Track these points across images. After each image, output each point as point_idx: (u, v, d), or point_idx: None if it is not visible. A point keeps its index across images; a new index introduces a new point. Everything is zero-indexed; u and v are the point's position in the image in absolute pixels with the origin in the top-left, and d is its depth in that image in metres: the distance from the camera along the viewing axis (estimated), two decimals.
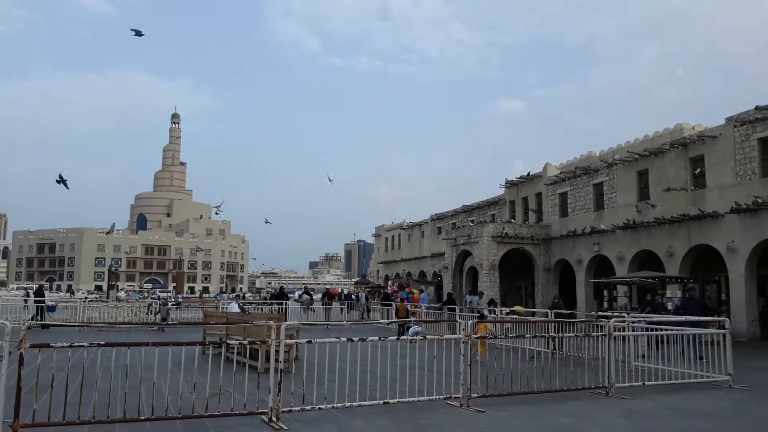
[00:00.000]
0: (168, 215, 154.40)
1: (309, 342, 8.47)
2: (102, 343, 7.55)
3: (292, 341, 8.92)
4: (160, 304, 27.99)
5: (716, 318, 12.75)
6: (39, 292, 26.87)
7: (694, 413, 8.69)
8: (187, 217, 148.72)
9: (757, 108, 22.06)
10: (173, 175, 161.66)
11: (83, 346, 7.30)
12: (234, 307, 20.23)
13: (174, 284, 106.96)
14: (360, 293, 37.16)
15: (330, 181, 68.25)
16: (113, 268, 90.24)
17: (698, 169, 25.01)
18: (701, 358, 12.58)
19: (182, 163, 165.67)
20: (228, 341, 9.36)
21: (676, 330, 12.14)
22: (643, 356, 12.26)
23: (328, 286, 56.07)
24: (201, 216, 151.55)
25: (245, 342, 9.57)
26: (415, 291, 36.90)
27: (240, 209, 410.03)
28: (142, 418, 7.09)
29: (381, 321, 16.06)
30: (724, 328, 11.46)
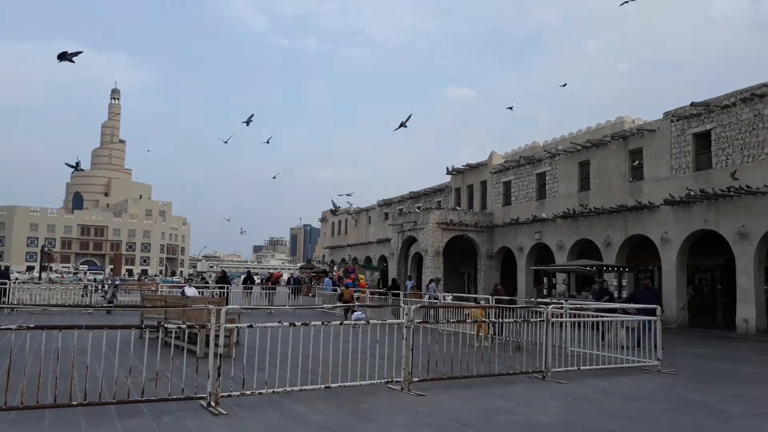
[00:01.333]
0: (106, 195, 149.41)
1: (250, 326, 8.36)
2: (32, 326, 7.23)
3: (233, 326, 8.78)
4: (109, 285, 27.66)
5: (647, 306, 13.27)
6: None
7: (624, 396, 9.04)
8: (126, 197, 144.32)
9: (692, 104, 22.96)
10: (112, 153, 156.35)
11: (11, 328, 6.98)
12: (191, 291, 19.69)
13: (111, 266, 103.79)
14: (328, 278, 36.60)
15: (274, 178, 67.32)
16: (46, 249, 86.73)
17: (637, 162, 25.90)
18: (639, 345, 13.28)
19: (122, 141, 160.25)
20: (166, 325, 9.14)
21: (615, 317, 12.58)
22: (623, 347, 12.95)
23: (272, 270, 55.59)
24: (140, 196, 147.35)
25: (183, 326, 9.35)
26: (361, 276, 37.01)
27: (181, 190, 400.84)
28: (74, 403, 6.85)
29: (324, 306, 16.00)
30: (654, 315, 11.96)
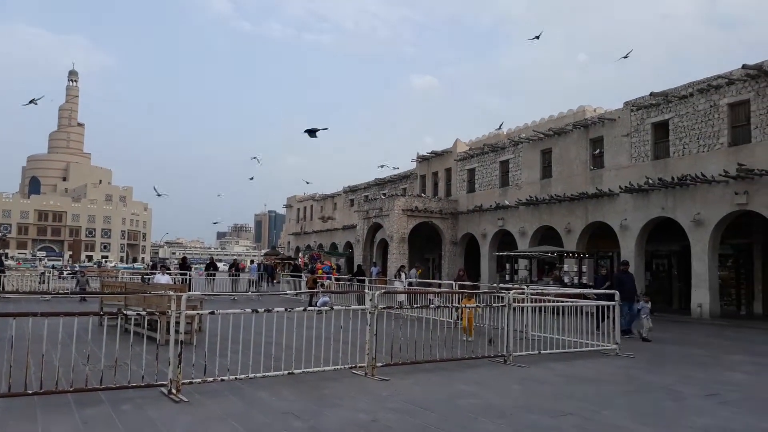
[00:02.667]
0: (64, 179, 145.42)
1: (212, 313, 8.27)
2: None
3: (194, 312, 8.68)
4: (78, 273, 27.40)
5: (606, 291, 13.58)
6: None
7: (582, 379, 9.26)
8: (85, 181, 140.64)
9: (651, 94, 23.43)
10: (70, 136, 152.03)
11: None
12: (164, 279, 19.22)
13: (70, 252, 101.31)
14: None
15: (258, 161, 66.11)
16: (1, 234, 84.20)
17: (597, 150, 26.36)
18: (625, 332, 13.78)
19: (80, 124, 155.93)
20: (126, 312, 8.97)
21: (575, 302, 12.83)
22: (643, 337, 13.69)
23: (236, 257, 55.08)
24: (100, 181, 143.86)
25: (143, 313, 9.20)
26: (334, 266, 37.03)
27: (144, 175, 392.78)
28: (30, 392, 6.69)
29: (288, 292, 15.93)
30: (613, 300, 12.24)
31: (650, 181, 22.87)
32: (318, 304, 16.04)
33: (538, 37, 29.33)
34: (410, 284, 21.70)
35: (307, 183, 61.43)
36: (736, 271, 24.46)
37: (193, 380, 7.48)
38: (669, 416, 6.99)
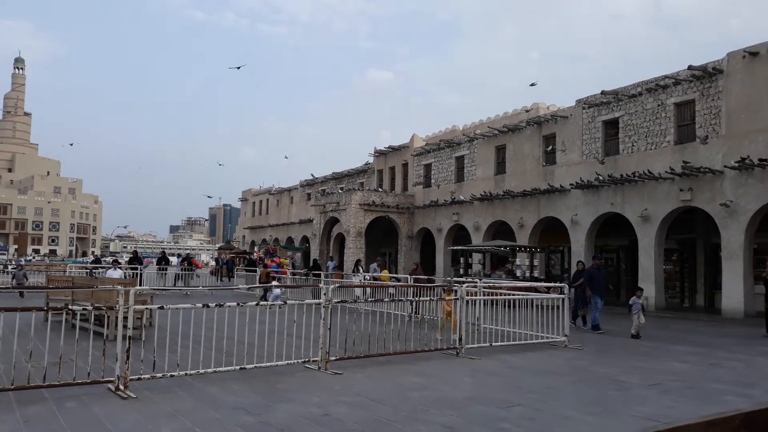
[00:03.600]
0: (9, 170, 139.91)
1: (161, 308, 8.12)
2: None
3: (142, 307, 8.50)
4: (16, 268, 26.25)
5: (556, 284, 13.89)
6: None
7: (531, 371, 9.47)
8: (32, 173, 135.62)
9: (602, 92, 24.01)
10: (16, 126, 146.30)
11: None
12: (116, 274, 18.69)
13: (16, 246, 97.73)
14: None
15: (286, 158, 65.66)
16: None
17: (550, 147, 26.88)
18: (598, 328, 14.19)
19: (26, 114, 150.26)
20: (72, 307, 8.73)
21: (526, 295, 13.09)
22: (632, 334, 13.75)
23: (189, 252, 53.98)
24: (48, 173, 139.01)
25: (90, 308, 8.96)
26: (284, 261, 36.71)
27: (94, 167, 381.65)
28: None
29: (240, 287, 15.76)
30: (563, 293, 12.54)
31: (600, 178, 23.46)
32: (270, 299, 15.91)
33: (534, 84, 33.36)
34: (374, 279, 21.73)
35: (286, 157, 60.25)
36: (681, 265, 25.35)
37: (142, 376, 7.34)
38: (613, 405, 7.21)
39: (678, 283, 25.25)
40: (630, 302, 14.51)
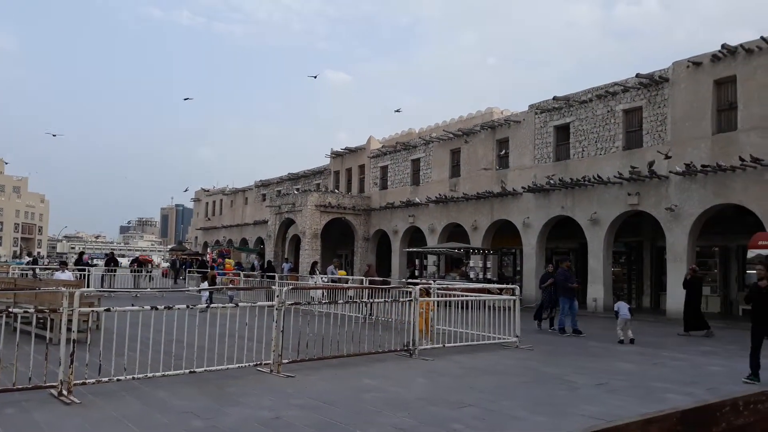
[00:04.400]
0: None
1: (107, 310, 7.90)
2: None
3: (88, 309, 8.24)
4: None
5: (509, 286, 14.12)
6: None
7: (483, 371, 9.59)
8: None
9: (554, 98, 24.54)
10: None
11: None
12: (64, 275, 17.92)
13: None
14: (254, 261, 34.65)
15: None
16: None
17: (503, 151, 27.31)
18: (578, 332, 14.22)
19: None
20: (14, 310, 8.40)
21: (479, 296, 13.25)
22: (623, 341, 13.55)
23: (139, 252, 52.61)
24: None
25: (32, 310, 8.65)
26: (229, 261, 36.22)
27: (40, 165, 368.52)
28: None
29: (190, 289, 15.47)
30: (515, 295, 12.76)
31: (551, 182, 23.97)
32: (203, 300, 15.66)
33: (399, 110, 35.80)
34: (333, 281, 21.63)
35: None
36: (628, 267, 26.11)
37: (87, 381, 7.12)
38: (562, 405, 7.37)
39: (625, 284, 26.00)
40: (615, 307, 14.25)
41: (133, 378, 7.47)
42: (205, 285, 17.04)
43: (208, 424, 6.06)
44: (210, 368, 8.20)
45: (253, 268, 34.14)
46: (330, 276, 22.57)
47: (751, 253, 16.09)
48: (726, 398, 3.14)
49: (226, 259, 35.09)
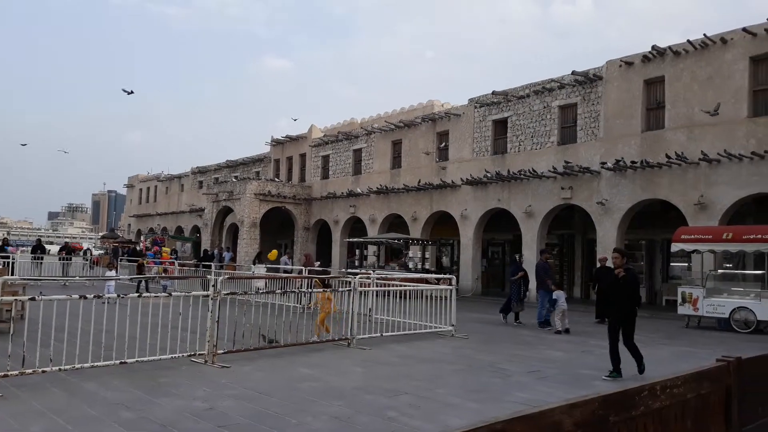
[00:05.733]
0: None
1: (32, 299, 7.58)
2: None
3: (11, 298, 7.87)
4: None
5: (445, 276, 14.35)
6: None
7: (420, 359, 9.75)
8: None
9: (493, 93, 25.01)
10: None
11: None
12: None
13: None
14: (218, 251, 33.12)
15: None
16: None
17: (443, 143, 27.65)
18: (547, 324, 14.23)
19: None
20: None
21: (417, 286, 13.42)
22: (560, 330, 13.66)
23: (68, 240, 50.27)
24: None
25: None
26: (165, 249, 35.28)
27: None
28: None
29: (120, 277, 15.02)
30: (452, 285, 12.99)
31: (489, 175, 24.45)
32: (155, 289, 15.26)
33: (131, 92, 33.54)
34: (286, 272, 21.32)
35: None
36: (560, 259, 26.97)
37: (9, 373, 6.81)
38: (495, 392, 7.58)
39: (558, 275, 26.83)
40: (554, 296, 14.29)
41: (60, 370, 7.21)
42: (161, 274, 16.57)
43: (139, 415, 5.92)
44: (142, 359, 8.00)
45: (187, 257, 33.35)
46: (283, 266, 22.26)
47: (675, 247, 16.91)
48: (644, 383, 3.32)
49: (163, 248, 34.11)
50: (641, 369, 8.79)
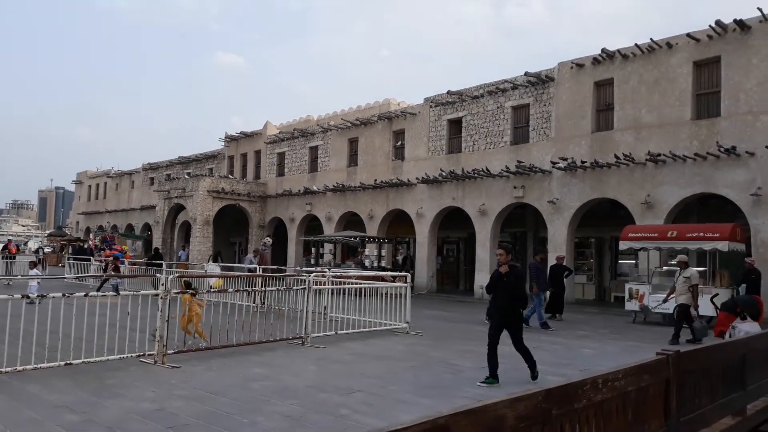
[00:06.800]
0: None
1: None
2: None
3: None
4: None
5: (401, 273, 14.43)
6: None
7: (374, 356, 9.78)
8: None
9: (448, 92, 25.24)
10: None
11: None
12: None
13: None
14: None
15: None
16: None
17: (399, 142, 27.77)
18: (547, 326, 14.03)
19: None
20: None
21: (372, 284, 13.45)
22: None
23: (11, 237, 48.46)
24: None
25: None
26: (126, 247, 34.41)
27: None
28: None
29: (67, 276, 14.59)
30: (407, 282, 13.06)
31: (444, 174, 24.69)
32: (111, 287, 14.89)
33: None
34: (251, 271, 20.95)
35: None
36: (513, 256, 27.36)
37: None
38: (447, 388, 7.67)
39: None
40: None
41: (1, 372, 6.96)
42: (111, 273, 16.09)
43: (84, 418, 5.77)
44: (88, 360, 7.79)
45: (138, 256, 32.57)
46: (248, 266, 21.90)
47: (623, 245, 17.43)
48: (587, 377, 3.42)
49: (124, 247, 33.28)
50: (534, 375, 8.24)
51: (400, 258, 27.68)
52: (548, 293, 16.40)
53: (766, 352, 5.92)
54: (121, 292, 9.23)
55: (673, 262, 14.71)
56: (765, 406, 5.79)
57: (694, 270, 13.56)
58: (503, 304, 8.26)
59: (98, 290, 16.19)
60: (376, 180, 27.71)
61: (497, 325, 8.27)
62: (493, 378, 7.96)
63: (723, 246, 15.09)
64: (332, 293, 13.04)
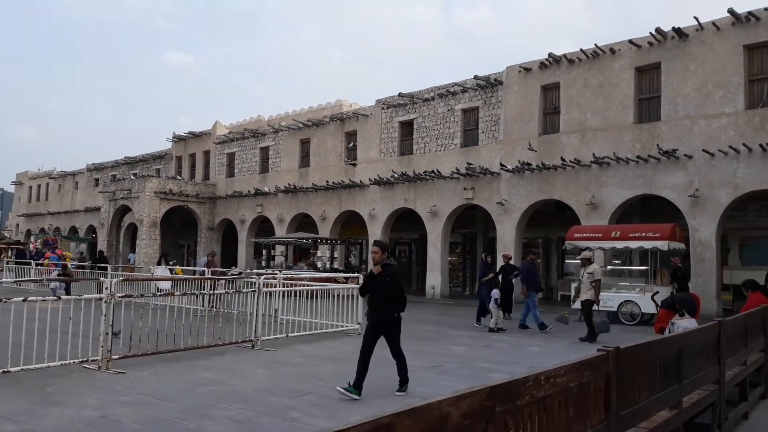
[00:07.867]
0: None
1: None
2: None
3: None
4: None
5: (352, 275, 14.44)
6: None
7: (325, 358, 9.76)
8: None
9: (400, 94, 25.40)
10: None
11: None
12: None
13: None
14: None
15: None
16: None
17: (352, 143, 27.77)
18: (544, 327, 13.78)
19: None
20: None
21: (324, 286, 13.40)
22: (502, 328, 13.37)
23: None
24: None
25: None
26: (68, 254, 33.29)
27: None
28: None
29: (5, 281, 14.04)
30: (359, 283, 13.05)
31: (396, 175, 24.83)
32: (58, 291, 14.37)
33: None
34: (203, 273, 20.48)
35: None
36: (463, 256, 27.81)
37: None
38: (397, 388, 7.70)
39: (461, 273, 27.69)
40: (494, 295, 14.11)
41: None
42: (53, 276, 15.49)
43: (23, 427, 5.57)
44: (27, 367, 7.52)
45: (82, 259, 31.57)
46: (201, 269, 21.42)
47: (569, 245, 17.88)
48: (529, 374, 3.51)
49: (66, 252, 32.12)
50: (402, 389, 7.49)
51: (353, 259, 27.71)
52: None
53: (701, 346, 6.18)
54: (62, 297, 8.92)
55: (578, 258, 14.96)
56: (699, 398, 6.04)
57: (596, 266, 13.72)
58: (378, 306, 7.51)
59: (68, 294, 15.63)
60: (328, 181, 27.63)
61: (373, 330, 7.50)
62: (355, 388, 7.00)
63: (663, 245, 15.65)
64: (283, 295, 12.94)
